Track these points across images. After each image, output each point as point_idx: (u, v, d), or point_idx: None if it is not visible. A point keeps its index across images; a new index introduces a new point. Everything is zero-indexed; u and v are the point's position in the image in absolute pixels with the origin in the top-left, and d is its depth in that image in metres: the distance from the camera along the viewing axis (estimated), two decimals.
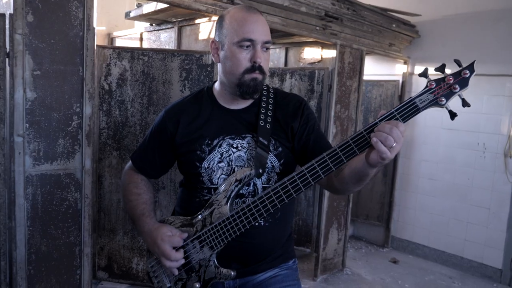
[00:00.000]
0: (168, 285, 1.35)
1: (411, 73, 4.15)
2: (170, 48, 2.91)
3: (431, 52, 3.99)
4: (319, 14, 2.93)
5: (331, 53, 3.30)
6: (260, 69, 1.27)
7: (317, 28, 3.05)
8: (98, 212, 2.68)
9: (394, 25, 3.67)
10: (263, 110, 1.35)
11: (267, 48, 1.30)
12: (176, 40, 2.82)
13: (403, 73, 4.17)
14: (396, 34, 3.78)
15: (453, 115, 1.09)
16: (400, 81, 4.20)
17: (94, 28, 1.92)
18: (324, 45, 3.53)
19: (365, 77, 3.63)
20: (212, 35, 2.59)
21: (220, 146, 1.32)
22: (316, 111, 3.39)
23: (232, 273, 1.28)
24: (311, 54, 3.63)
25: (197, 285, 1.30)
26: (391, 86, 4.26)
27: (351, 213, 3.75)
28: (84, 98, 1.91)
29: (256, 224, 1.26)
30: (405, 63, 4.13)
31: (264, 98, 1.38)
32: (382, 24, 3.53)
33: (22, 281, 1.81)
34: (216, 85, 1.41)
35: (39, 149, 1.82)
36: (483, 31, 3.64)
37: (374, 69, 4.36)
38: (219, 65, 1.35)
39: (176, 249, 1.27)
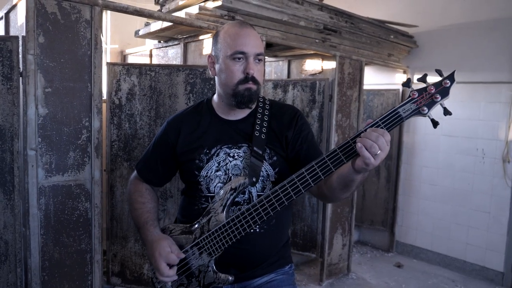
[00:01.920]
0: None
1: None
2: (177, 63, 2.95)
3: (430, 62, 3.97)
4: (318, 27, 2.95)
5: (331, 65, 3.31)
6: (253, 80, 1.29)
7: (317, 41, 3.06)
8: (111, 221, 2.71)
9: (392, 36, 3.67)
10: (258, 120, 1.37)
11: (260, 60, 1.32)
12: (182, 55, 2.86)
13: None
14: (394, 44, 3.78)
15: (435, 123, 1.10)
16: (400, 90, 4.18)
17: (101, 47, 1.97)
18: (324, 57, 3.54)
19: (366, 87, 3.62)
20: None
21: (218, 155, 1.34)
22: (318, 120, 3.39)
23: (230, 278, 1.29)
24: (312, 65, 3.65)
25: None
26: (391, 95, 4.25)
27: (356, 219, 3.72)
28: (92, 112, 1.95)
29: (252, 230, 1.27)
30: (404, 72, 4.12)
31: (260, 109, 1.40)
32: (380, 36, 3.54)
33: (37, 286, 1.84)
34: (215, 97, 1.44)
35: (51, 162, 1.86)
36: (479, 40, 3.62)
37: (375, 78, 4.35)
38: (216, 78, 1.38)
39: (171, 266, 1.29)
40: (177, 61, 2.95)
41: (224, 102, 1.38)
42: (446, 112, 1.12)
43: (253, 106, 1.38)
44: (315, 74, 3.63)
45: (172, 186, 2.61)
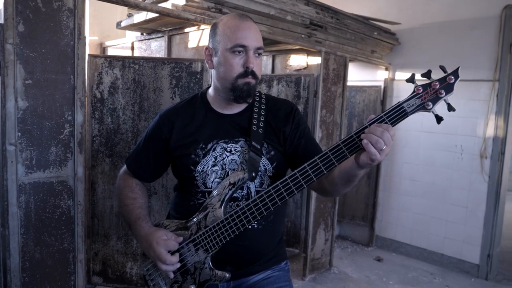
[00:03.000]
0: (164, 287, 1.31)
1: (392, 79, 4.18)
2: (160, 56, 2.87)
3: (411, 59, 4.03)
4: (304, 22, 2.93)
5: (316, 60, 3.30)
6: (253, 74, 1.26)
7: (303, 36, 3.04)
8: (92, 218, 2.62)
9: (375, 33, 3.69)
10: (255, 115, 1.34)
11: (260, 54, 1.29)
12: (166, 48, 2.79)
13: (385, 79, 4.20)
14: (377, 41, 3.80)
15: (439, 119, 1.09)
16: (382, 87, 4.22)
17: (85, 37, 1.88)
18: (309, 53, 3.53)
19: (348, 83, 3.64)
20: (201, 43, 2.57)
21: (214, 150, 1.30)
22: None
23: (227, 275, 1.26)
24: (297, 61, 3.63)
25: (193, 287, 1.27)
26: (373, 91, 4.29)
27: (337, 214, 3.75)
28: (75, 106, 1.86)
29: (250, 227, 1.23)
30: (386, 69, 4.16)
31: (257, 104, 1.37)
32: (364, 32, 3.55)
33: None
34: (210, 90, 1.39)
35: (32, 158, 1.77)
36: (460, 38, 3.68)
37: (357, 75, 4.38)
38: (212, 71, 1.34)
39: (172, 252, 1.24)
40: (161, 54, 2.88)
41: (220, 96, 1.34)
42: (450, 108, 1.11)
43: (250, 101, 1.34)
44: (300, 69, 3.61)
45: (156, 182, 2.54)
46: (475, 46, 3.58)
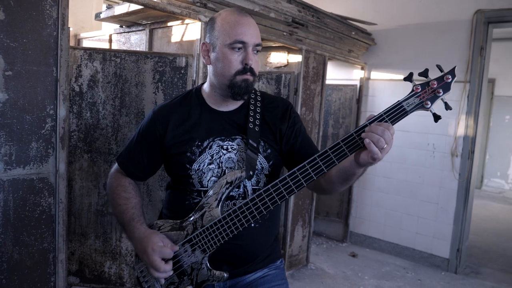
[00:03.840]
0: None
1: (368, 78, 4.26)
2: (141, 50, 2.79)
3: (386, 59, 4.12)
4: (287, 20, 2.93)
5: (296, 58, 3.31)
6: (252, 71, 1.24)
7: (284, 33, 3.05)
8: (69, 216, 2.51)
9: (353, 33, 3.75)
10: (251, 112, 1.32)
11: (258, 51, 1.27)
12: (147, 42, 2.71)
13: (361, 78, 4.28)
14: (355, 41, 3.86)
15: (437, 117, 1.11)
16: (358, 85, 4.30)
17: (68, 28, 1.80)
18: (290, 50, 3.53)
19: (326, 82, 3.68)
20: (185, 38, 2.52)
21: (211, 147, 1.28)
22: None
23: (225, 275, 1.24)
24: (278, 58, 3.63)
25: None
26: (349, 90, 4.36)
27: None
28: (58, 99, 1.78)
29: (247, 225, 1.22)
30: (362, 68, 4.23)
31: (252, 101, 1.35)
32: (343, 32, 3.60)
33: None
34: (205, 87, 1.37)
35: (11, 153, 1.67)
36: (433, 40, 3.80)
37: (334, 74, 4.44)
38: (209, 67, 1.31)
39: (166, 260, 1.21)
40: (141, 48, 2.80)
41: (216, 93, 1.31)
42: (447, 106, 1.14)
43: (247, 97, 1.33)
44: (280, 67, 3.61)
45: None
46: (448, 48, 3.71)
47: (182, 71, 2.39)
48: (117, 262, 2.55)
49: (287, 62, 3.50)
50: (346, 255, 4.15)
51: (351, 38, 3.77)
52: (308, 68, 3.31)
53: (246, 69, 1.23)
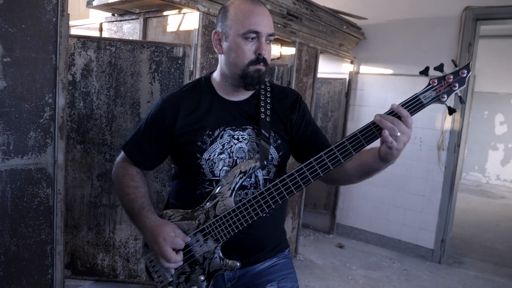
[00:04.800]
0: (170, 279, 1.27)
1: (357, 72, 4.31)
2: (134, 39, 2.74)
3: (375, 53, 4.17)
4: (282, 12, 2.93)
5: (289, 51, 3.32)
6: (265, 61, 1.24)
7: (279, 25, 3.05)
8: None
9: (345, 27, 3.78)
10: (262, 103, 1.32)
11: (270, 41, 1.27)
12: (141, 31, 2.66)
13: (350, 72, 4.32)
14: (346, 35, 3.90)
15: (452, 111, 1.14)
16: (347, 79, 4.34)
17: (68, 14, 1.75)
18: (283, 43, 3.54)
19: None
20: (182, 28, 2.49)
21: (222, 137, 1.27)
22: None
23: (238, 264, 1.24)
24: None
25: (202, 278, 1.25)
26: (338, 83, 4.40)
27: None
28: (57, 88, 1.74)
29: (264, 215, 1.23)
30: (351, 62, 4.28)
31: (262, 91, 1.35)
32: (335, 25, 3.62)
33: None
34: (216, 75, 1.35)
35: (9, 143, 1.63)
36: (422, 36, 3.87)
37: (323, 67, 4.46)
38: (221, 56, 1.30)
39: (177, 251, 1.21)
40: (134, 37, 2.75)
41: (227, 82, 1.31)
42: (462, 101, 1.17)
43: (258, 88, 1.33)
44: (273, 59, 3.61)
45: None
46: (436, 44, 3.78)
47: (179, 61, 2.37)
48: (110, 254, 2.52)
49: (280, 54, 3.50)
50: (333, 246, 4.22)
51: (342, 32, 3.80)
52: (301, 61, 3.33)
53: (259, 59, 1.23)
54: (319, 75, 4.32)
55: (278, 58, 3.50)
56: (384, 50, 4.10)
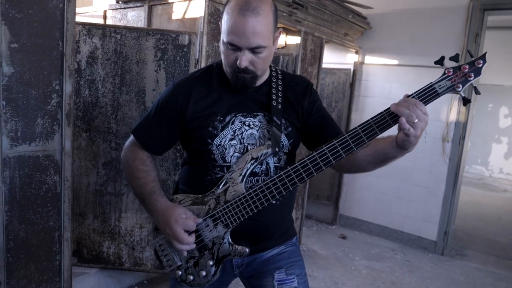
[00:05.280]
0: (179, 263, 1.29)
1: (362, 62, 4.30)
2: (139, 27, 2.74)
3: (381, 43, 4.16)
4: (287, 0, 2.92)
5: (295, 40, 3.31)
6: (246, 72, 1.21)
7: (284, 14, 3.04)
8: None
9: (350, 16, 3.77)
10: (274, 90, 1.33)
11: (259, 52, 1.19)
12: (146, 19, 2.66)
13: (355, 62, 4.31)
14: (351, 24, 3.88)
15: (466, 101, 1.14)
16: (352, 70, 4.33)
17: (75, 0, 1.76)
18: (288, 32, 3.53)
19: None
20: (188, 16, 2.49)
21: (233, 123, 1.28)
22: None
23: (247, 250, 1.26)
24: None
25: (211, 263, 1.27)
26: (343, 74, 4.39)
27: None
28: (64, 75, 1.74)
29: (274, 202, 1.24)
30: (356, 52, 4.26)
31: (274, 79, 1.36)
32: (340, 14, 3.61)
33: (1, 269, 1.64)
34: None
35: (17, 129, 1.64)
36: (428, 26, 3.85)
37: (328, 57, 4.44)
38: None
39: (189, 233, 1.22)
40: (139, 24, 2.74)
41: None
42: (477, 91, 1.17)
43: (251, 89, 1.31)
44: (278, 48, 3.61)
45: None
46: (443, 34, 3.77)
47: (185, 49, 2.37)
48: (115, 242, 2.54)
49: (285, 43, 3.50)
50: (336, 237, 4.25)
51: (348, 22, 3.79)
52: (306, 50, 3.32)
53: (240, 69, 1.20)
54: (323, 65, 4.31)
55: (283, 48, 3.50)
56: (389, 40, 4.09)
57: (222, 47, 1.23)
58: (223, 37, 1.20)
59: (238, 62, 1.18)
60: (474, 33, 3.55)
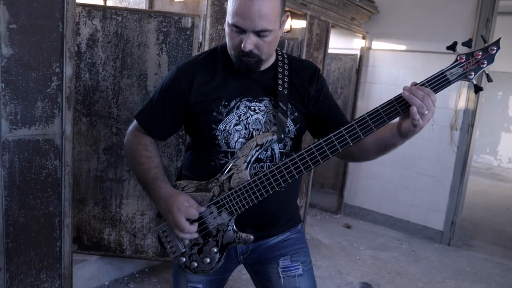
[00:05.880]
0: (183, 249, 1.29)
1: (369, 48, 4.25)
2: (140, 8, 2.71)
3: (388, 29, 4.11)
4: None
5: (300, 24, 3.28)
6: (250, 55, 1.19)
7: None
8: None
9: (357, 0, 3.72)
10: (280, 75, 1.31)
11: (264, 36, 1.17)
12: (147, 1, 2.63)
13: (361, 48, 4.27)
14: (358, 8, 3.83)
15: (478, 89, 1.12)
16: (358, 55, 4.30)
17: None
18: (293, 15, 3.48)
19: None
20: None
21: (238, 108, 1.27)
22: None
23: (251, 237, 1.26)
24: None
25: (215, 250, 1.27)
26: (349, 60, 4.35)
27: None
28: (64, 57, 1.73)
29: (279, 189, 1.23)
30: (363, 38, 4.22)
31: (280, 63, 1.34)
32: None
33: (0, 255, 1.65)
34: None
35: (16, 112, 1.63)
36: (437, 11, 3.80)
37: (333, 42, 4.40)
38: None
39: (191, 221, 1.22)
40: (141, 6, 2.72)
41: None
42: (489, 79, 1.15)
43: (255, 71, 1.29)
44: (283, 32, 3.57)
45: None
46: (452, 20, 3.71)
47: (188, 32, 2.35)
48: (116, 229, 2.56)
49: (290, 27, 3.46)
50: (340, 226, 4.26)
51: (355, 5, 3.74)
52: (312, 34, 3.29)
53: (244, 52, 1.19)
54: (329, 51, 4.27)
55: (288, 32, 3.46)
56: (397, 25, 4.04)
57: (227, 29, 1.22)
58: (228, 18, 1.18)
59: (242, 45, 1.16)
60: (485, 18, 3.50)
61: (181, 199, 1.22)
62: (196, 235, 1.24)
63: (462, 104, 3.72)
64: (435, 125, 3.90)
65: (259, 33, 1.17)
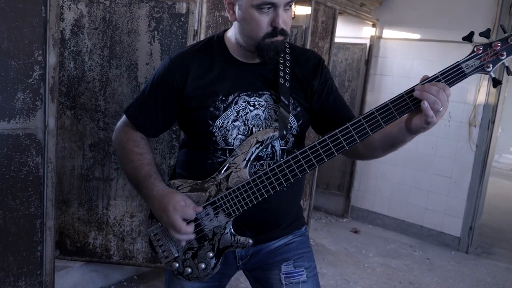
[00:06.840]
0: (176, 254, 1.31)
1: (379, 37, 4.26)
2: None
3: (401, 16, 4.12)
4: None
5: (305, 10, 3.28)
6: (282, 33, 1.22)
7: None
8: None
9: None
10: (281, 66, 1.32)
11: (290, 6, 1.22)
12: None
13: (371, 36, 4.28)
14: None
15: (497, 82, 1.13)
16: (368, 45, 4.31)
17: None
18: (297, 1, 3.49)
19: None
20: None
21: (236, 103, 1.28)
22: None
23: (250, 241, 1.27)
24: None
25: (211, 254, 1.28)
26: (358, 49, 4.37)
27: None
28: (47, 44, 1.74)
29: (279, 189, 1.25)
30: (373, 25, 4.23)
31: (282, 54, 1.35)
32: None
33: None
34: (230, 35, 1.34)
35: None
36: None
37: (341, 31, 4.40)
38: (235, 23, 1.29)
39: (188, 222, 1.23)
40: None
41: (242, 47, 1.30)
42: (509, 71, 1.15)
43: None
44: None
45: None
46: (471, 6, 3.72)
47: (182, 19, 2.36)
48: (103, 232, 2.57)
49: (294, 14, 3.47)
50: (347, 231, 4.29)
51: None
52: (317, 22, 3.30)
53: (276, 31, 1.21)
54: (336, 40, 4.28)
55: (292, 19, 3.48)
56: (411, 11, 4.05)
57: (247, 14, 1.20)
58: (253, 0, 1.17)
59: (278, 22, 1.18)
60: (508, 4, 3.51)
61: (177, 198, 1.23)
62: (193, 237, 1.25)
63: (481, 98, 3.73)
64: (451, 122, 3.92)
65: (288, 4, 1.19)
